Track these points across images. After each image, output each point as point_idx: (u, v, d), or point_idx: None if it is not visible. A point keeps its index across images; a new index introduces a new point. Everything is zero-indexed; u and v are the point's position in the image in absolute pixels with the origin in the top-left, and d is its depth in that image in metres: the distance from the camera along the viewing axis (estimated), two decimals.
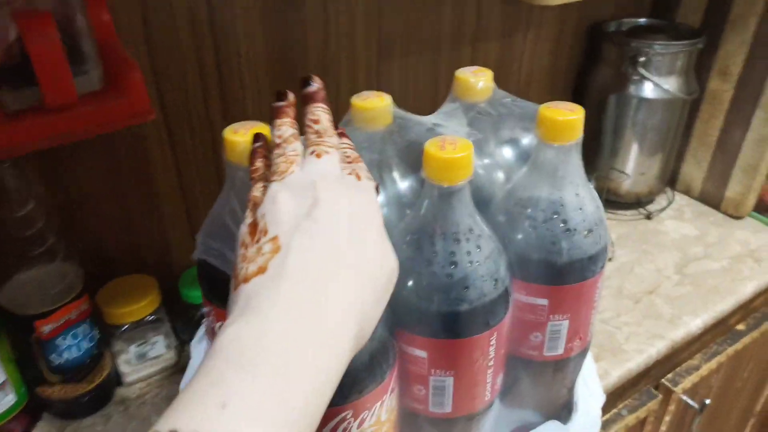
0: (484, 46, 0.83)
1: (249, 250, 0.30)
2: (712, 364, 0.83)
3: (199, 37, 0.61)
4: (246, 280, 0.29)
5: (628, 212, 0.98)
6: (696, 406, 0.83)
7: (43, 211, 0.55)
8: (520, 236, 0.46)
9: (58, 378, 0.59)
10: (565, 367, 0.52)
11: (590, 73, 0.95)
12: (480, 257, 0.41)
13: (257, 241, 0.30)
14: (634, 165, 0.95)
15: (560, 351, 0.50)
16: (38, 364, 0.58)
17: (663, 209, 0.99)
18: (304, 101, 0.36)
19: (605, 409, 0.73)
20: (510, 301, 0.44)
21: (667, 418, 0.83)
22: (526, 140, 0.47)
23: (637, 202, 0.99)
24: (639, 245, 0.90)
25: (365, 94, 0.46)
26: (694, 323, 0.76)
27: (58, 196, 0.61)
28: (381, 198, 0.43)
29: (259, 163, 0.35)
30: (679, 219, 0.97)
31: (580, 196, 0.46)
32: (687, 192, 1.03)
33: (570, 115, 0.43)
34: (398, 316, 0.41)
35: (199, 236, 0.46)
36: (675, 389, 0.79)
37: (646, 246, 0.90)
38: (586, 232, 0.46)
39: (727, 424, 1.07)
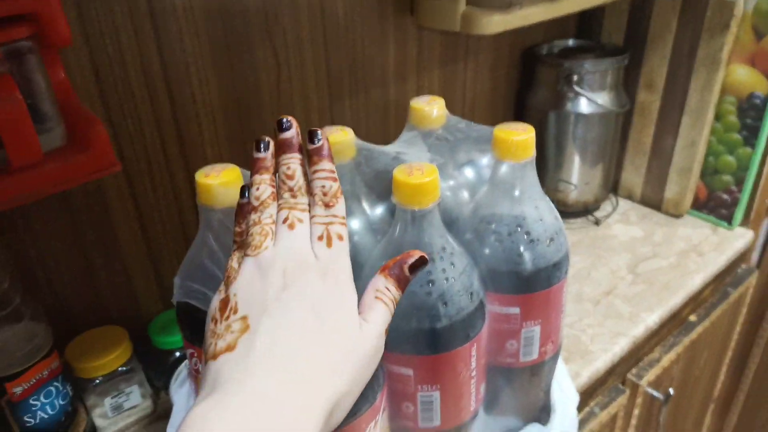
0: (428, 75, 0.87)
1: (218, 327, 0.31)
2: (672, 355, 0.88)
3: (153, 88, 0.62)
4: (215, 357, 0.30)
5: (578, 220, 1.03)
6: (661, 397, 0.87)
7: (6, 272, 0.54)
8: (488, 251, 0.48)
9: None
10: (540, 371, 0.54)
11: (528, 93, 1.00)
12: (455, 273, 0.43)
13: (227, 319, 0.31)
14: (578, 176, 1.00)
15: (535, 356, 0.52)
16: (11, 428, 0.56)
17: (609, 215, 1.04)
18: (278, 148, 0.36)
19: (579, 409, 0.76)
20: (486, 312, 0.47)
21: (636, 411, 0.86)
22: (484, 160, 0.50)
23: (584, 210, 1.04)
24: (592, 250, 0.95)
25: (328, 129, 0.48)
26: (651, 318, 0.80)
27: (18, 257, 0.60)
28: (356, 226, 0.45)
29: (242, 227, 0.35)
30: (626, 222, 1.03)
31: (539, 209, 0.49)
32: (629, 197, 1.09)
33: (523, 134, 0.46)
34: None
35: (176, 280, 0.46)
36: (640, 383, 0.83)
37: (598, 251, 0.95)
38: (548, 241, 0.49)
39: (690, 412, 1.11)
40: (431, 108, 0.53)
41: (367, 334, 0.32)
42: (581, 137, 0.96)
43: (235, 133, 0.69)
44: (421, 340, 0.43)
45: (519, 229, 0.48)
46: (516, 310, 0.50)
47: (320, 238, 0.33)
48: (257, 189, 0.35)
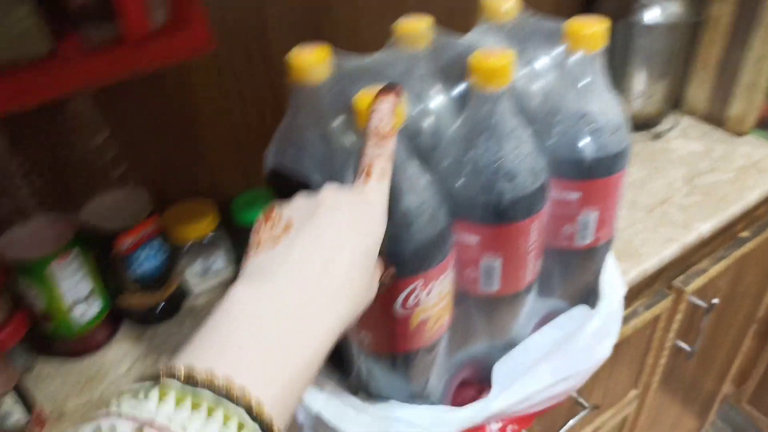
0: None
1: (262, 231, 0.35)
2: (719, 267, 0.90)
3: None
4: (256, 252, 0.34)
5: (637, 134, 1.04)
6: (705, 305, 0.90)
7: (117, 139, 0.60)
8: (554, 136, 0.51)
9: (137, 288, 0.66)
10: (593, 256, 0.58)
11: (596, 1, 0.99)
12: (522, 153, 0.47)
13: (271, 226, 0.35)
14: (641, 88, 1.00)
15: (590, 240, 0.57)
16: (119, 276, 0.65)
17: (670, 129, 1.04)
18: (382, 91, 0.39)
19: (624, 306, 0.81)
20: (548, 192, 0.51)
21: (678, 316, 0.90)
22: (556, 51, 0.52)
23: (645, 124, 1.05)
24: (649, 162, 0.97)
25: (408, 17, 0.52)
26: (704, 227, 0.83)
27: (122, 128, 0.66)
28: (433, 105, 0.49)
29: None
30: (686, 138, 1.03)
31: (604, 100, 0.52)
32: (692, 113, 1.08)
33: (596, 25, 0.48)
34: (454, 208, 0.47)
35: (268, 154, 0.51)
36: (685, 289, 0.87)
37: (656, 163, 0.96)
38: (611, 132, 0.52)
39: (732, 328, 1.15)
40: (503, 2, 0.55)
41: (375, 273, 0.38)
42: (648, 48, 0.96)
43: (308, 25, 0.73)
44: (488, 211, 0.47)
45: (584, 118, 0.51)
46: (576, 195, 0.53)
47: (366, 172, 0.37)
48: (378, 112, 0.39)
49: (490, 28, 0.56)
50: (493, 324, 0.56)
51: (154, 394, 0.25)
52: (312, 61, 0.44)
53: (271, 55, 0.72)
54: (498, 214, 0.48)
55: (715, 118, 1.05)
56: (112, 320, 0.69)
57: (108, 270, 0.65)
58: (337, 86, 0.44)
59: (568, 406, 0.83)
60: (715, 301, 0.91)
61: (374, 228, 0.36)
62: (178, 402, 0.25)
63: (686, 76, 1.06)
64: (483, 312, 0.55)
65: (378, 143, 0.38)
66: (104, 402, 0.27)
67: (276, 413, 0.28)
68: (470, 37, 0.54)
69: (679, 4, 0.93)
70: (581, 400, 0.81)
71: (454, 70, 0.50)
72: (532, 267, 0.53)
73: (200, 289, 0.72)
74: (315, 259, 0.33)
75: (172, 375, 0.26)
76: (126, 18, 0.45)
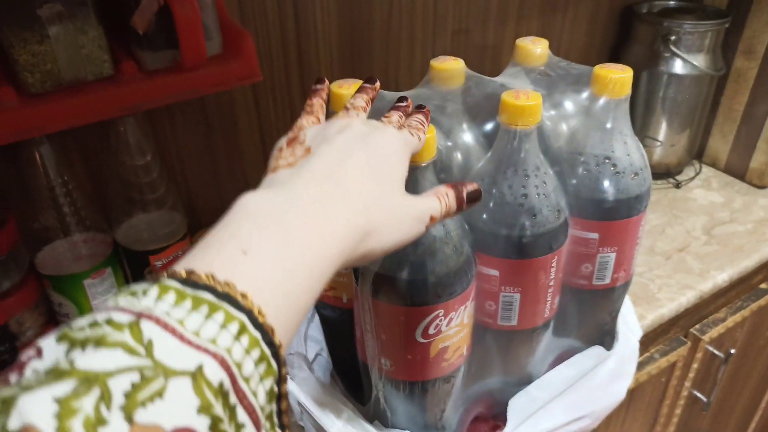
0: (527, 24, 0.91)
1: (284, 152, 0.36)
2: (737, 317, 0.90)
3: (284, 15, 0.69)
4: (275, 170, 0.34)
5: (659, 182, 1.05)
6: (722, 355, 0.90)
7: (158, 162, 0.63)
8: (576, 177, 0.53)
9: None
10: (611, 296, 0.60)
11: (623, 50, 1.02)
12: (546, 190, 0.49)
13: (293, 147, 0.36)
14: (664, 137, 1.02)
15: (607, 281, 0.58)
16: None
17: (691, 179, 1.06)
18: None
19: (640, 353, 0.81)
20: (568, 230, 0.52)
21: (695, 365, 0.90)
22: (582, 96, 0.55)
23: (667, 173, 1.06)
24: (669, 210, 0.98)
25: (442, 58, 0.54)
26: (721, 277, 0.83)
27: (161, 152, 0.70)
28: (466, 140, 0.51)
29: (315, 101, 0.42)
30: (707, 188, 1.04)
31: (627, 145, 0.54)
32: (713, 164, 1.10)
33: (622, 73, 0.51)
34: (476, 241, 0.49)
35: None
36: (702, 337, 0.87)
37: (676, 211, 0.98)
38: (633, 175, 0.53)
39: (751, 380, 1.13)
40: (535, 46, 0.58)
41: (409, 203, 0.36)
42: (672, 99, 0.98)
43: (346, 62, 0.76)
44: (510, 245, 0.49)
45: (607, 160, 0.53)
46: (595, 235, 0.55)
47: (399, 126, 0.39)
48: (354, 99, 0.41)
49: (521, 71, 0.59)
50: (510, 358, 0.57)
51: (153, 291, 0.24)
52: (351, 93, 0.47)
53: (308, 87, 0.75)
54: (519, 248, 0.49)
55: (737, 169, 1.06)
56: None
57: None
58: (375, 119, 0.46)
59: None
60: (732, 351, 0.91)
61: (389, 164, 0.36)
62: (178, 301, 0.24)
63: (709, 127, 1.08)
64: (500, 346, 0.56)
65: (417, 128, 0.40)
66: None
67: (277, 324, 0.26)
68: (501, 79, 0.57)
69: (705, 57, 0.95)
70: None
71: (484, 109, 0.53)
72: (550, 303, 0.54)
73: None
74: (327, 174, 0.33)
75: (172, 276, 0.25)
76: (184, 46, 0.48)
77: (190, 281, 0.25)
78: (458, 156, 0.51)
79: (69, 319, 0.64)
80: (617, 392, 0.63)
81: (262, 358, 0.25)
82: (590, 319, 0.62)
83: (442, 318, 0.46)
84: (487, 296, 0.52)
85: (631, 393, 0.83)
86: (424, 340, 0.47)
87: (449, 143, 0.51)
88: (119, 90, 0.50)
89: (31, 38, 0.46)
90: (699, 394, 0.96)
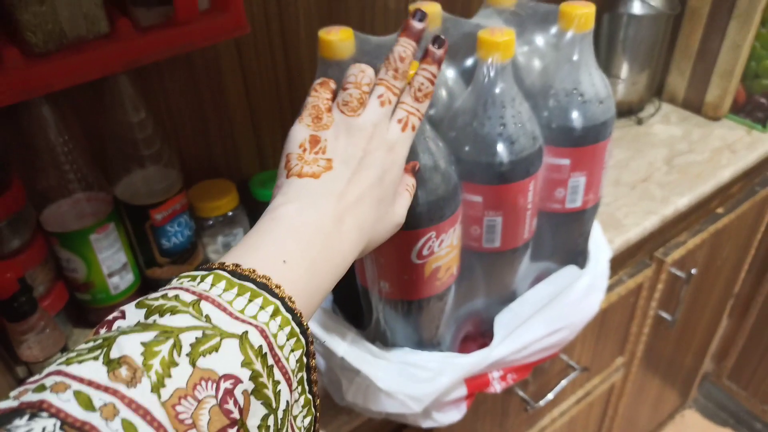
0: None
1: (307, 155, 0.41)
2: (697, 239, 0.98)
3: None
4: (300, 175, 0.40)
5: (622, 120, 1.11)
6: (684, 275, 0.98)
7: (151, 119, 0.66)
8: (547, 108, 0.58)
9: (167, 261, 0.72)
10: (582, 218, 0.65)
11: None
12: (522, 120, 0.54)
13: (315, 153, 0.41)
14: (626, 76, 1.07)
15: (579, 204, 0.63)
16: (150, 249, 0.71)
17: (652, 115, 1.12)
18: (403, 29, 0.44)
19: (609, 275, 0.88)
20: (543, 156, 0.57)
21: (660, 286, 0.98)
22: (551, 32, 0.59)
23: (629, 111, 1.12)
24: (632, 145, 1.04)
25: (419, 2, 0.58)
26: (681, 202, 0.90)
27: (153, 108, 0.72)
28: (450, 75, 0.55)
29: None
30: (666, 123, 1.11)
31: (592, 75, 0.59)
32: (672, 100, 1.16)
33: (585, 8, 0.55)
34: (460, 170, 0.54)
35: None
36: (665, 259, 0.94)
37: (639, 145, 1.04)
38: (598, 103, 0.59)
39: (711, 300, 1.23)
40: None
41: (397, 208, 0.44)
42: (632, 39, 1.03)
43: (323, 7, 0.79)
44: (491, 172, 0.54)
45: (575, 91, 0.58)
46: (566, 161, 0.60)
47: (400, 120, 0.43)
48: (404, 50, 0.44)
49: (493, 12, 0.63)
50: (494, 278, 0.63)
51: (209, 278, 0.32)
52: (341, 37, 0.50)
53: (288, 45, 0.78)
54: (499, 175, 0.54)
55: (694, 104, 1.13)
56: (142, 292, 0.74)
57: (140, 243, 0.71)
58: (361, 61, 0.50)
59: (561, 368, 0.90)
60: (694, 271, 0.99)
61: (394, 178, 0.43)
62: (227, 288, 0.31)
63: (668, 65, 1.14)
64: (485, 267, 0.61)
65: (417, 100, 0.44)
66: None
67: (304, 310, 0.34)
68: (476, 20, 0.61)
69: None
70: (572, 363, 0.88)
71: (462, 48, 0.57)
72: (529, 225, 0.59)
73: None
74: (347, 200, 0.40)
75: (222, 268, 0.33)
76: (177, 2, 0.51)
77: (237, 273, 0.32)
78: (441, 93, 0.56)
79: (77, 274, 0.67)
80: (591, 306, 0.70)
81: (292, 333, 0.32)
82: (564, 240, 0.68)
83: (434, 240, 0.51)
84: (472, 221, 0.57)
85: (603, 314, 0.90)
86: (419, 261, 0.52)
87: None
88: (117, 46, 0.53)
89: None
90: (664, 314, 1.04)
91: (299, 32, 0.78)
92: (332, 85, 0.45)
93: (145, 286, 0.75)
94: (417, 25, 0.44)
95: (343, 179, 0.40)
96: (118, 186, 0.68)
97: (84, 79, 0.52)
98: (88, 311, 0.72)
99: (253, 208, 0.81)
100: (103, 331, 0.29)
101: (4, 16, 0.49)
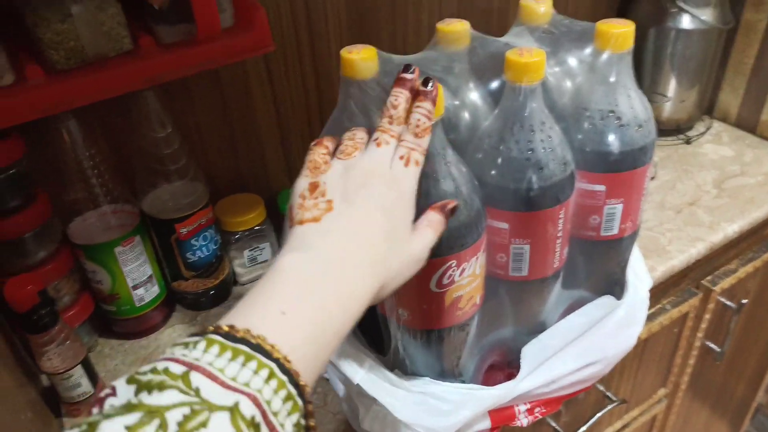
0: None
1: (306, 202, 0.40)
2: (749, 268, 0.92)
3: None
4: (301, 223, 0.39)
5: (669, 138, 1.06)
6: (734, 306, 0.92)
7: (178, 134, 0.66)
8: (581, 131, 0.55)
9: (192, 274, 0.71)
10: (618, 246, 0.62)
11: (629, 9, 1.02)
12: (552, 144, 0.51)
13: (315, 198, 0.40)
14: (673, 93, 1.02)
15: (615, 231, 0.60)
16: (175, 262, 0.71)
17: (702, 134, 1.06)
18: (395, 82, 0.45)
19: (651, 304, 0.83)
20: (575, 182, 0.54)
21: (707, 316, 0.92)
22: (586, 52, 0.56)
23: (677, 129, 1.07)
24: (679, 166, 0.99)
25: (449, 20, 0.56)
26: (731, 228, 0.85)
27: (180, 124, 0.72)
28: (473, 98, 0.53)
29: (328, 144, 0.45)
30: (717, 143, 1.05)
31: (631, 98, 0.55)
32: (724, 119, 1.10)
33: (624, 27, 0.52)
34: (486, 195, 0.51)
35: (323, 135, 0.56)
36: (714, 288, 0.88)
37: (686, 166, 0.99)
38: (637, 127, 0.55)
39: (764, 331, 1.15)
40: (539, 5, 0.59)
41: (415, 244, 0.42)
42: (680, 54, 0.98)
43: (355, 28, 0.78)
44: (518, 198, 0.51)
45: (611, 114, 0.54)
46: (602, 187, 0.57)
47: (402, 157, 0.42)
48: (395, 98, 0.44)
49: (525, 30, 0.60)
50: (522, 308, 0.60)
51: (202, 344, 0.31)
52: (363, 57, 0.49)
53: (318, 61, 0.77)
54: (527, 201, 0.51)
55: (748, 123, 1.07)
56: (167, 304, 0.74)
57: (165, 256, 0.71)
58: (384, 81, 0.48)
59: (597, 399, 0.85)
60: (745, 301, 0.93)
61: (403, 212, 0.42)
62: (221, 352, 0.30)
63: (719, 82, 1.08)
64: (512, 296, 0.58)
65: (416, 136, 0.43)
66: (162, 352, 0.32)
67: (302, 368, 0.32)
68: (505, 38, 0.58)
69: (713, 10, 0.95)
70: (609, 393, 0.84)
71: (489, 68, 0.54)
72: (559, 254, 0.56)
73: (247, 278, 0.77)
74: (351, 236, 0.39)
75: (217, 332, 0.32)
76: (199, 19, 0.50)
77: (230, 335, 0.31)
78: (466, 114, 0.53)
79: (102, 286, 0.68)
80: (628, 339, 0.66)
81: (288, 397, 0.31)
82: (599, 269, 0.64)
83: (455, 268, 0.49)
84: (498, 249, 0.54)
85: (644, 343, 0.86)
86: (438, 290, 0.50)
87: (456, 102, 0.53)
88: (139, 64, 0.53)
89: (54, 17, 0.49)
90: (712, 345, 0.98)
91: (330, 47, 0.77)
92: (327, 142, 0.46)
93: (171, 298, 0.74)
94: (407, 76, 0.45)
95: (345, 215, 0.39)
96: (145, 200, 0.68)
97: (106, 95, 0.52)
98: (113, 322, 0.72)
99: (280, 223, 0.79)
100: (95, 410, 0.28)
101: (27, 34, 0.49)
